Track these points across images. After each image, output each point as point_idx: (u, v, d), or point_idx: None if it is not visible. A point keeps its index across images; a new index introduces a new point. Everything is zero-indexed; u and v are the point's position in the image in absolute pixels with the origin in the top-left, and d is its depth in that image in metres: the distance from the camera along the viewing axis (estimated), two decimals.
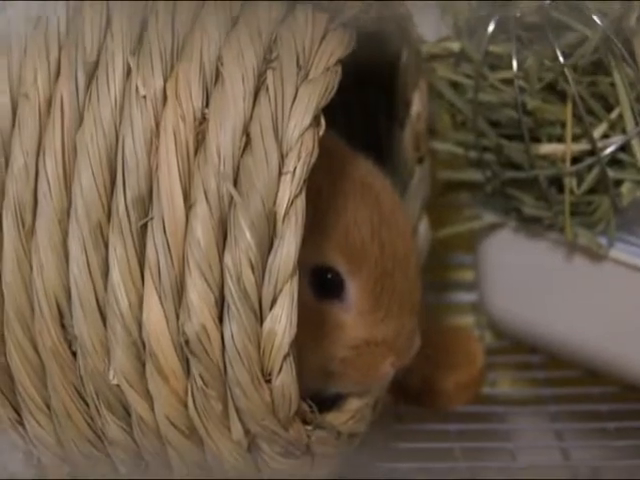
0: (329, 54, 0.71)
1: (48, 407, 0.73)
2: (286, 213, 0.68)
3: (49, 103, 0.70)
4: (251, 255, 0.68)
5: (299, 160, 0.68)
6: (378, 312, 0.78)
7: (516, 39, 0.86)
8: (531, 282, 0.94)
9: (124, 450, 0.72)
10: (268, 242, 0.69)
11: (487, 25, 0.88)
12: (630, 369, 0.90)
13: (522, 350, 1.01)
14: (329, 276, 0.77)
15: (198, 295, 0.68)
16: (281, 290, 0.68)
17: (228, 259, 0.68)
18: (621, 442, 0.89)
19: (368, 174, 0.80)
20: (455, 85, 0.91)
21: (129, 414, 0.72)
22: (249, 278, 0.68)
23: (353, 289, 0.78)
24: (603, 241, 0.89)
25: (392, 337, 0.78)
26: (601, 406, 0.94)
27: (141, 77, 0.69)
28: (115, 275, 0.69)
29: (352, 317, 0.78)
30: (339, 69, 0.71)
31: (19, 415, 0.74)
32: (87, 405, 0.72)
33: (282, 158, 0.69)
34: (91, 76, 0.70)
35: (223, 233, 0.69)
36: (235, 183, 0.69)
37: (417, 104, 0.86)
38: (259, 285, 0.68)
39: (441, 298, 1.09)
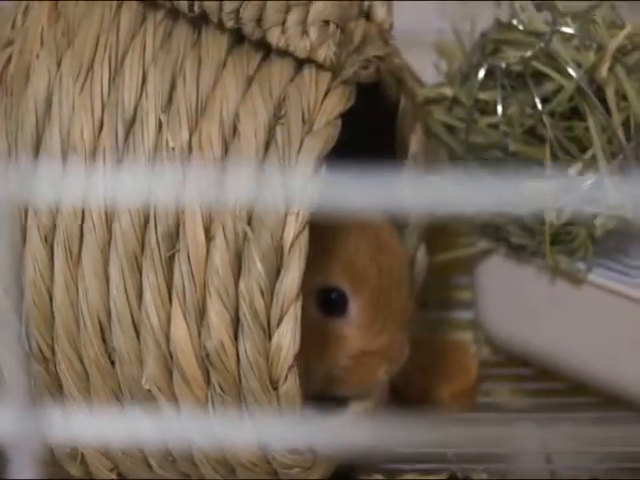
0: (331, 109, 0.79)
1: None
2: (291, 247, 0.77)
3: (93, 154, 0.79)
4: (261, 282, 0.77)
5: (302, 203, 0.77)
6: (375, 326, 0.87)
7: (501, 87, 0.94)
8: (520, 302, 1.01)
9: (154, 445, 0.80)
10: (276, 271, 0.77)
11: (477, 73, 0.96)
12: (607, 381, 0.98)
13: (515, 364, 1.06)
14: (333, 295, 0.87)
15: (217, 315, 0.77)
16: (286, 311, 0.77)
17: (242, 285, 0.77)
18: (602, 448, 0.94)
19: (369, 212, 0.89)
20: (449, 127, 0.98)
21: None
22: (259, 302, 0.77)
23: (354, 307, 0.87)
24: (582, 266, 0.96)
25: (386, 347, 0.87)
26: (584, 414, 0.99)
27: (170, 131, 0.78)
28: (148, 297, 0.78)
29: (353, 330, 0.87)
30: (339, 122, 0.79)
31: None
32: (123, 406, 0.80)
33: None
34: (129, 131, 0.79)
35: (238, 263, 0.77)
36: (249, 221, 0.77)
37: (414, 146, 0.93)
38: (268, 307, 0.77)
39: (443, 315, 1.14)
